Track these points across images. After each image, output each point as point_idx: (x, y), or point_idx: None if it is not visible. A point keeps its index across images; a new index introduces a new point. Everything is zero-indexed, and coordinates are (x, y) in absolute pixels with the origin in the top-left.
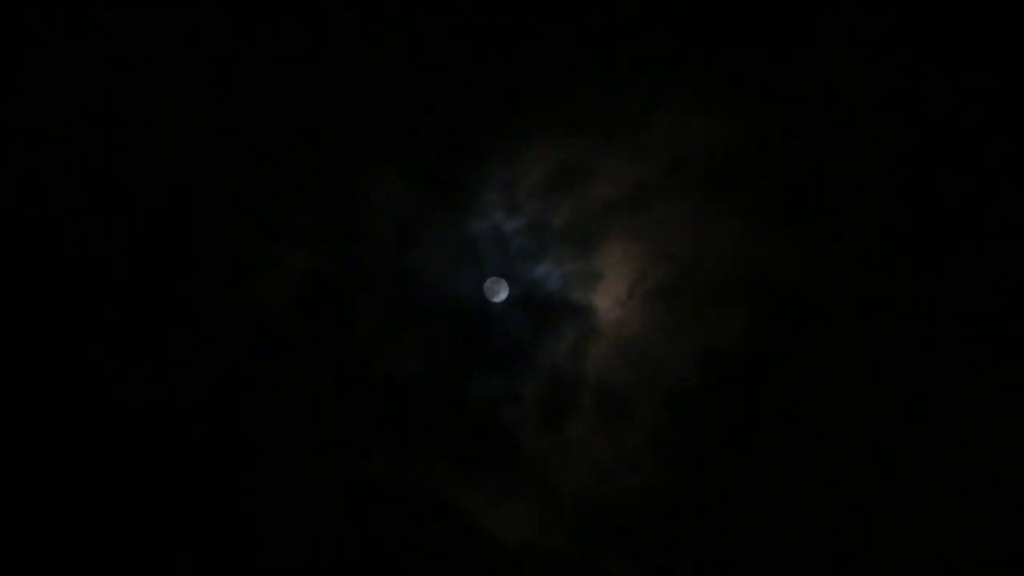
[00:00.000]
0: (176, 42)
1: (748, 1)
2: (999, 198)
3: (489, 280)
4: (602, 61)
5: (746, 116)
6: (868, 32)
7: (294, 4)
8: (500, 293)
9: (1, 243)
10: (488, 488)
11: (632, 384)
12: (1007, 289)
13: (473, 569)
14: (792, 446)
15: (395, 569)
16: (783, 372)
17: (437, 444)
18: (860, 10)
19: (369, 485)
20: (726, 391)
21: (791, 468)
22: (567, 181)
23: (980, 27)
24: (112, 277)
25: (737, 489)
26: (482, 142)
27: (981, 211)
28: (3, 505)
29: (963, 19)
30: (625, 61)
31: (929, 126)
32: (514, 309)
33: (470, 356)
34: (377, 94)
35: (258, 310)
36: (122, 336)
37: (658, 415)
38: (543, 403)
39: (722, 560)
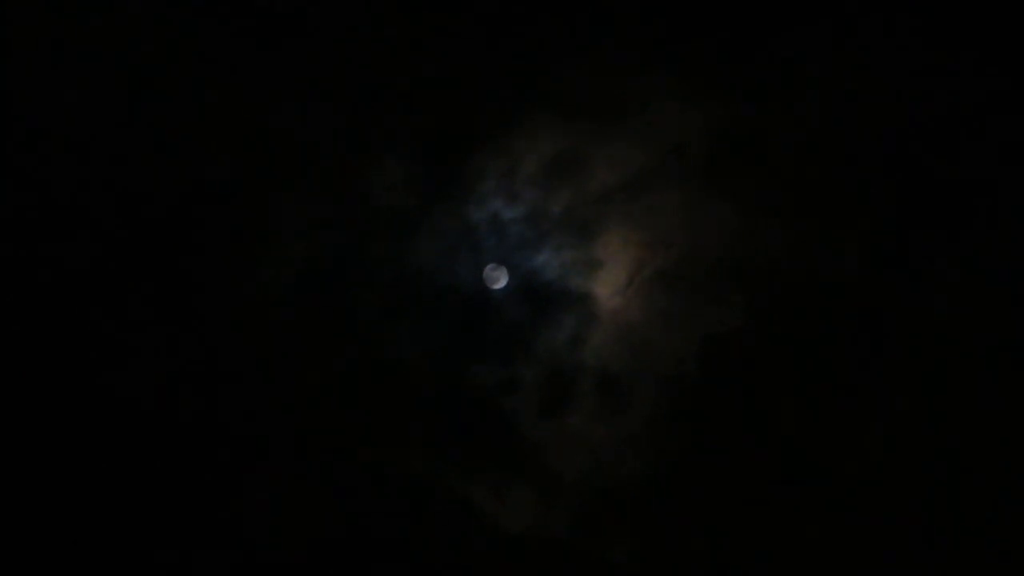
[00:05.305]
0: (174, 31)
1: None
2: (997, 185)
3: (488, 267)
4: (600, 49)
5: (745, 103)
6: (866, 21)
7: None
8: (500, 280)
9: None
10: (488, 476)
11: (632, 371)
12: (1006, 275)
13: (474, 557)
14: (792, 433)
15: (395, 559)
16: (783, 358)
17: (437, 432)
18: (859, 1)
19: (368, 474)
20: (726, 377)
21: (790, 455)
22: (565, 169)
23: (979, 18)
24: (107, 267)
25: (737, 476)
26: (480, 131)
27: (980, 200)
28: None
29: (961, 11)
30: (623, 49)
31: (928, 116)
32: (513, 297)
33: (470, 344)
34: (375, 83)
35: (257, 300)
36: (116, 327)
37: (658, 402)
38: (543, 391)
39: (722, 547)
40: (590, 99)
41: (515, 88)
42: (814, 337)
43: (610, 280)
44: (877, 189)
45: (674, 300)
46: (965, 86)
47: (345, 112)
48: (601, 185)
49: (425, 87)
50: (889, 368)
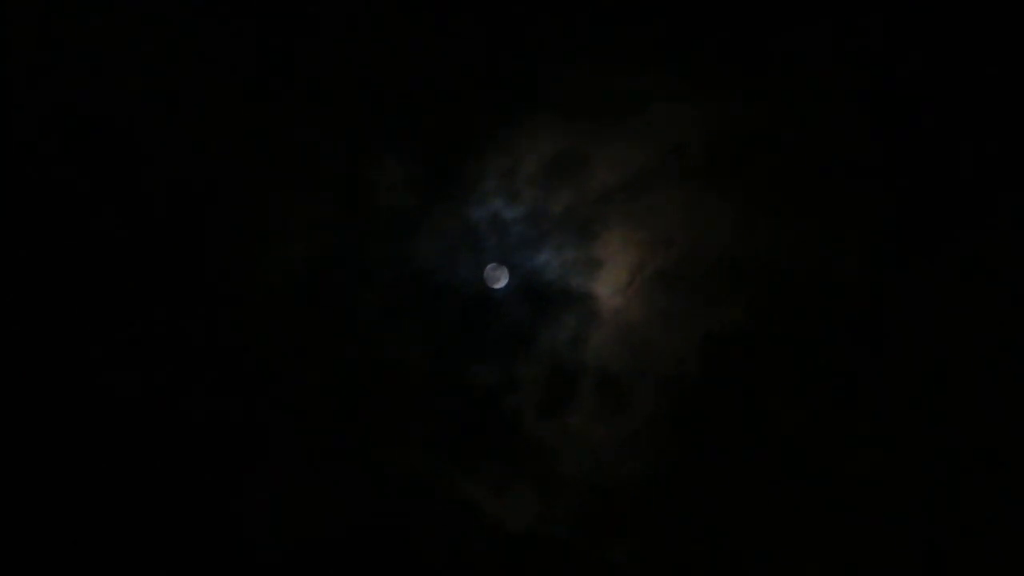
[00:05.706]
0: (174, 31)
1: None
2: (997, 185)
3: (489, 266)
4: (600, 48)
5: (745, 102)
6: (866, 21)
7: None
8: (501, 279)
9: None
10: (489, 475)
11: (633, 371)
12: (1006, 275)
13: (474, 557)
14: (792, 433)
15: (397, 558)
16: (783, 358)
17: (437, 432)
18: (859, 1)
19: (368, 474)
20: (727, 377)
21: (792, 454)
22: (566, 169)
23: (978, 18)
24: (108, 267)
25: (737, 476)
26: (480, 131)
27: (980, 200)
28: None
29: (961, 11)
30: (623, 48)
31: (928, 117)
32: (514, 297)
33: (470, 344)
34: (375, 83)
35: (257, 300)
36: (116, 326)
37: (659, 401)
38: (544, 390)
39: (722, 547)
40: (590, 99)
41: (515, 88)
42: (814, 337)
43: (610, 280)
44: (877, 189)
45: (674, 300)
46: (965, 86)
47: (345, 112)
48: (601, 185)
49: (425, 87)
50: (889, 368)
